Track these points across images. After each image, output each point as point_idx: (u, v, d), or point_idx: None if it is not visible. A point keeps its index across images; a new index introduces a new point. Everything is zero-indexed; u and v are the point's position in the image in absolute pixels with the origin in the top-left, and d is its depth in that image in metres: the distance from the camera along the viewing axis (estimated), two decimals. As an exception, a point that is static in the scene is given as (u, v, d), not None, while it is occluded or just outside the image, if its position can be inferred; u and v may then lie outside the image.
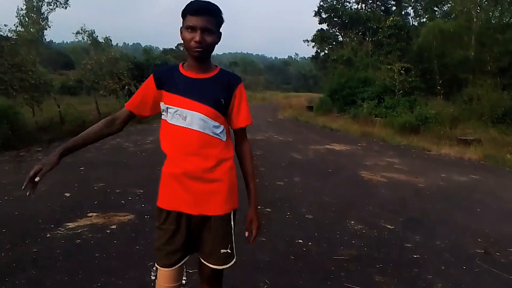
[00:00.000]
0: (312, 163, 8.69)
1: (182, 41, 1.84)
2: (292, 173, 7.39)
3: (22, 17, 41.33)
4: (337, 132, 16.40)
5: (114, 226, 4.27)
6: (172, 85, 1.83)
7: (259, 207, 4.47)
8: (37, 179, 1.76)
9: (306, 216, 4.89)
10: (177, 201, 1.87)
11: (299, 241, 4.04)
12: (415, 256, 3.79)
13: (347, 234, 4.32)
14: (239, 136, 1.99)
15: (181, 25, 1.80)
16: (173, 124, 1.83)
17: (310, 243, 3.98)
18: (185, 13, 1.76)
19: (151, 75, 1.91)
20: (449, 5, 26.31)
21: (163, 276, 1.92)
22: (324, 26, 32.10)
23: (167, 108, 1.85)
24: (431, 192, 6.47)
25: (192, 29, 1.73)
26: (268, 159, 8.88)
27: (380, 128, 16.04)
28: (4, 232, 4.01)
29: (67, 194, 5.51)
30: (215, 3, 1.80)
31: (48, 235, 3.96)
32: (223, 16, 1.82)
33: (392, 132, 15.02)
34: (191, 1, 1.76)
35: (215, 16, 1.76)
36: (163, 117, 1.90)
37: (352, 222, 4.71)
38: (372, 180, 7.16)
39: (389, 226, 4.63)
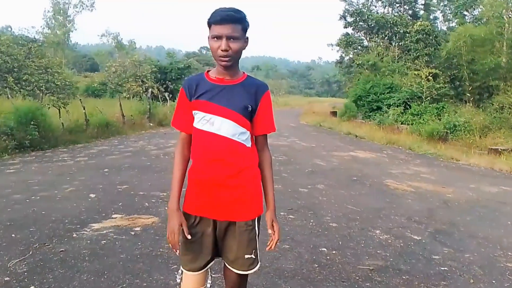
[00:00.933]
0: (336, 171, 8.60)
1: (208, 47, 1.88)
2: (315, 180, 7.33)
3: (48, 19, 42.63)
4: (362, 139, 16.23)
5: (138, 229, 4.32)
6: (201, 92, 1.85)
7: (282, 213, 4.41)
8: (189, 237, 1.87)
9: (330, 224, 4.83)
10: (203, 207, 1.89)
11: (323, 249, 3.99)
12: (443, 268, 3.69)
13: (372, 244, 4.23)
14: (260, 143, 2.00)
15: (208, 34, 1.82)
16: (200, 129, 1.85)
17: (334, 252, 3.92)
18: (209, 22, 1.79)
19: (181, 88, 1.94)
20: (479, 9, 25.71)
21: (188, 280, 1.96)
22: (349, 30, 31.72)
23: (195, 113, 1.87)
24: (460, 203, 6.30)
25: (218, 37, 1.76)
26: (290, 165, 8.84)
27: (407, 135, 15.78)
28: (32, 231, 4.10)
29: (92, 196, 5.61)
30: (239, 9, 1.81)
31: (74, 235, 4.04)
32: (248, 20, 1.84)
33: (419, 140, 14.74)
34: (215, 10, 1.78)
35: (240, 23, 1.77)
36: (195, 125, 1.91)
37: (377, 232, 4.62)
38: (398, 189, 7.02)
39: (415, 237, 4.51)
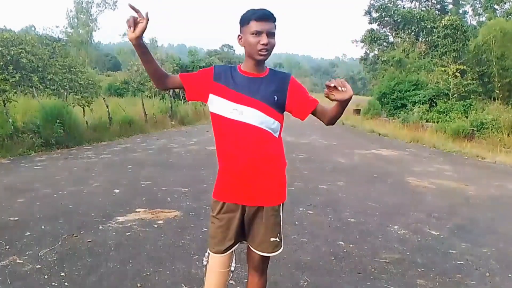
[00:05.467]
0: (357, 168, 8.60)
1: (242, 46, 1.99)
2: (336, 177, 7.36)
3: (71, 18, 43.32)
4: (385, 137, 16.09)
5: (161, 222, 4.47)
6: (230, 81, 1.99)
7: (301, 209, 4.40)
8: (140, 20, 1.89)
9: (349, 219, 4.88)
10: (233, 194, 2.02)
11: (341, 243, 4.05)
12: (459, 262, 3.71)
13: (390, 238, 4.27)
14: (320, 111, 2.03)
15: (240, 32, 1.96)
16: (229, 118, 1.96)
17: (351, 246, 3.98)
18: (248, 20, 1.92)
19: (212, 66, 2.08)
20: (511, 3, 25.00)
21: (214, 262, 2.10)
22: (375, 26, 31.31)
23: (226, 102, 1.96)
24: (482, 200, 6.23)
25: (258, 33, 1.90)
26: (311, 163, 8.88)
27: (431, 133, 15.56)
28: (61, 223, 4.29)
29: (117, 191, 5.80)
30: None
31: (100, 227, 4.21)
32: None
33: (444, 138, 14.52)
34: (253, 9, 1.94)
35: (275, 21, 1.95)
36: (214, 111, 2.01)
37: (396, 227, 4.64)
38: (419, 186, 6.98)
39: (434, 233, 4.52)
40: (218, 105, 1.99)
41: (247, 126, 1.93)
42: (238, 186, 1.99)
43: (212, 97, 2.01)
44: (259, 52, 1.91)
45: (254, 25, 1.89)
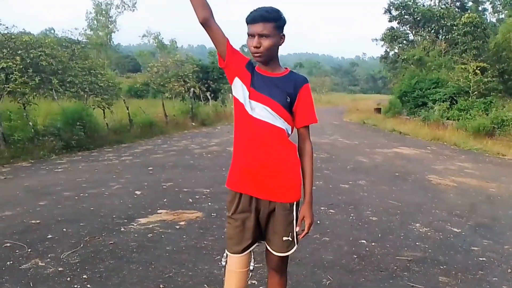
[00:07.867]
0: (378, 167, 8.52)
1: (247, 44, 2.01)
2: (357, 176, 7.31)
3: (91, 20, 43.60)
4: (406, 136, 15.92)
5: (183, 223, 4.49)
6: (253, 76, 2.01)
7: (322, 208, 4.44)
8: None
9: (370, 218, 4.84)
10: (245, 184, 2.02)
11: (363, 241, 4.03)
12: (481, 259, 3.68)
13: (412, 236, 4.23)
14: (302, 135, 2.07)
15: None
16: (246, 109, 1.98)
17: (373, 244, 3.96)
18: (246, 23, 1.95)
19: (249, 58, 2.09)
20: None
21: (232, 262, 2.10)
22: (395, 24, 30.96)
23: (246, 92, 1.99)
24: (504, 197, 6.14)
25: (252, 35, 1.92)
26: (332, 162, 8.84)
27: (452, 131, 15.33)
28: (83, 225, 4.31)
29: (138, 193, 5.82)
30: (273, 7, 1.94)
31: (122, 229, 4.23)
32: (283, 17, 1.96)
33: (465, 136, 14.30)
34: (250, 11, 1.94)
35: (272, 21, 1.90)
36: (236, 95, 2.03)
37: (417, 225, 4.60)
38: (440, 184, 6.89)
39: (456, 230, 4.47)
40: (239, 91, 2.01)
41: (259, 122, 1.95)
42: (249, 178, 2.00)
43: (237, 81, 2.02)
44: (253, 55, 1.95)
45: (248, 28, 1.94)
